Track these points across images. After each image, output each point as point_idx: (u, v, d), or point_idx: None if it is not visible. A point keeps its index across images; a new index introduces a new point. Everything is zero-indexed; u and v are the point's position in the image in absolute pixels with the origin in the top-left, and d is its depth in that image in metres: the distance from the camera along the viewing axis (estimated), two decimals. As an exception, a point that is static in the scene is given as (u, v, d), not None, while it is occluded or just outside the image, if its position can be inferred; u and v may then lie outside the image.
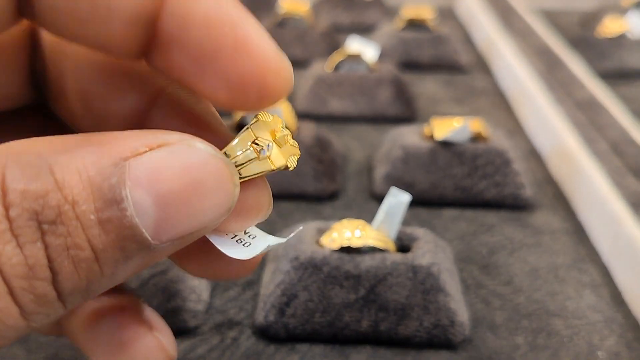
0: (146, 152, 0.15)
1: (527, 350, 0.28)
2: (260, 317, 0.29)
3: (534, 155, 0.45)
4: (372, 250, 0.29)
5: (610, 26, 0.62)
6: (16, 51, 0.19)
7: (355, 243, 0.29)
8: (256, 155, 0.17)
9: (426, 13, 0.63)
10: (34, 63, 0.20)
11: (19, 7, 0.16)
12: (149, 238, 0.15)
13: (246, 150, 0.17)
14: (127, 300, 0.21)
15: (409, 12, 0.63)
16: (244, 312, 0.30)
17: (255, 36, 0.16)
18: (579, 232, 0.37)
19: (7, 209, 0.14)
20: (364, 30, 0.68)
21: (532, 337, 0.29)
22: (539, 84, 0.52)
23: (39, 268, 0.14)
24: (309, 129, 0.40)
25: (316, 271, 0.28)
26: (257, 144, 0.17)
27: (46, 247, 0.14)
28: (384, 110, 0.49)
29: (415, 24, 0.62)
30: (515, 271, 0.33)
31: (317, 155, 0.39)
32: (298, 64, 0.57)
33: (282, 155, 0.17)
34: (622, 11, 0.67)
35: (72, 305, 0.15)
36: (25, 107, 0.21)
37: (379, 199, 0.39)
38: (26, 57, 0.20)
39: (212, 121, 0.19)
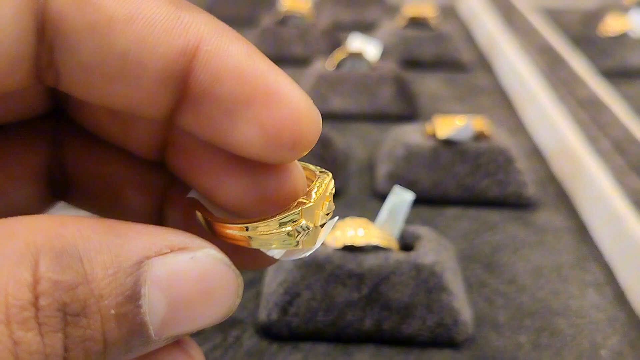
0: (168, 253, 0.15)
1: (530, 349, 0.28)
2: (263, 316, 0.29)
3: (536, 154, 0.45)
4: (375, 249, 0.29)
5: (612, 25, 0.62)
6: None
7: (358, 242, 0.29)
8: (290, 238, 0.17)
9: (428, 11, 0.63)
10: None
11: (37, 71, 0.16)
12: (153, 335, 0.15)
13: (283, 232, 0.17)
14: None
15: (410, 10, 0.63)
16: (246, 310, 0.30)
17: (286, 85, 0.16)
18: (581, 231, 0.37)
19: (36, 297, 0.14)
20: (365, 28, 0.68)
21: (535, 336, 0.29)
22: (541, 82, 0.51)
23: (54, 357, 0.14)
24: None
25: (319, 270, 0.28)
26: (297, 230, 0.17)
27: (65, 337, 0.14)
28: (386, 108, 0.49)
29: (417, 22, 0.62)
30: (518, 270, 0.33)
31: (319, 154, 0.39)
32: (299, 62, 0.57)
33: (313, 237, 0.17)
34: (624, 9, 0.67)
35: None
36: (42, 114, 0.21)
37: (381, 197, 0.39)
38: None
39: None
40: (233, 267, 0.16)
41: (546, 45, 0.61)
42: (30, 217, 0.15)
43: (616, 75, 0.58)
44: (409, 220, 0.36)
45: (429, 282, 0.28)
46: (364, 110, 0.49)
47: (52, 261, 0.14)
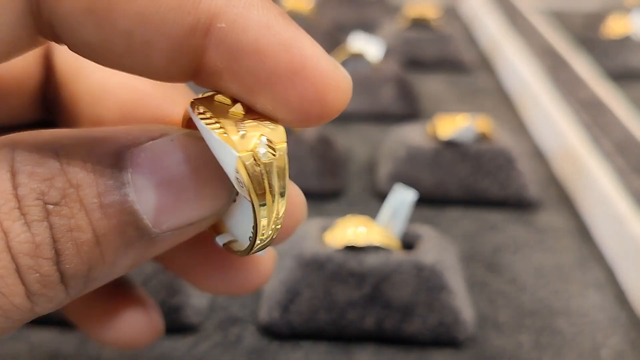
0: (148, 142, 0.15)
1: (531, 349, 0.28)
2: (263, 314, 0.29)
3: (537, 155, 0.45)
4: (377, 248, 0.29)
5: (614, 26, 0.62)
6: (29, 72, 0.20)
7: (360, 242, 0.29)
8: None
9: (430, 12, 0.63)
10: (47, 85, 0.20)
11: (38, 27, 0.15)
12: (149, 225, 0.15)
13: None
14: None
15: (412, 11, 0.63)
16: (247, 309, 0.30)
17: (312, 55, 0.15)
18: (583, 232, 0.37)
19: (15, 188, 0.14)
20: (367, 28, 0.68)
21: (536, 335, 0.29)
22: (543, 83, 0.51)
23: (45, 247, 0.14)
24: (313, 127, 0.40)
25: (320, 268, 0.28)
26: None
27: (51, 227, 0.14)
28: (388, 108, 0.49)
29: (419, 24, 0.62)
30: (519, 270, 0.33)
31: (321, 153, 0.39)
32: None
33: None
34: (626, 11, 0.67)
35: (74, 292, 0.15)
36: (34, 123, 0.21)
37: (382, 197, 0.39)
38: (39, 79, 0.20)
39: None
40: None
41: (548, 46, 0.61)
42: (13, 134, 0.15)
43: (618, 77, 0.58)
44: (411, 220, 0.36)
45: (430, 282, 0.28)
46: (365, 111, 0.49)
47: (25, 156, 0.14)
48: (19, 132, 0.20)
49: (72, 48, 0.15)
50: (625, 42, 0.61)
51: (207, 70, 0.15)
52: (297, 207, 0.20)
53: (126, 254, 0.15)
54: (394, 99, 0.49)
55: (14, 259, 0.14)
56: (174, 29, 0.14)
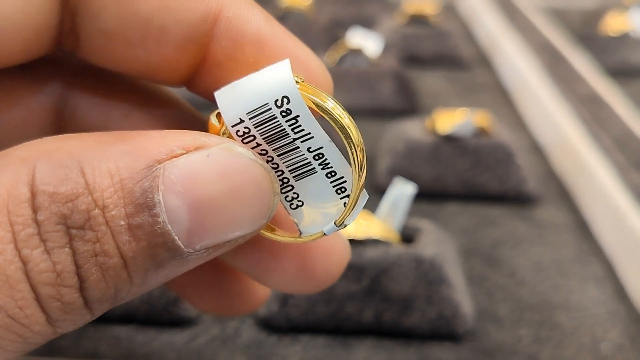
0: (182, 154, 0.14)
1: (530, 342, 0.28)
2: (262, 308, 0.28)
3: (536, 150, 0.45)
4: (376, 241, 0.29)
5: (612, 23, 0.62)
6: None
7: (359, 235, 0.28)
8: None
9: (428, 9, 0.63)
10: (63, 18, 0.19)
11: (59, 37, 0.15)
12: (182, 246, 0.14)
13: None
14: None
15: (411, 7, 0.63)
16: (245, 302, 0.30)
17: (302, 50, 0.16)
18: (581, 226, 0.37)
19: (35, 212, 0.13)
20: (365, 24, 0.68)
21: (535, 329, 0.29)
22: (542, 79, 0.51)
23: (67, 275, 0.13)
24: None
25: (319, 261, 0.28)
26: None
27: (74, 254, 0.13)
28: (386, 104, 0.49)
29: (417, 20, 0.62)
30: (519, 264, 0.33)
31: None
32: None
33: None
34: (624, 9, 0.67)
35: (99, 312, 0.15)
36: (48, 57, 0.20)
37: (381, 191, 0.39)
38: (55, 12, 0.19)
39: None
40: (259, 159, 0.15)
41: (546, 43, 0.61)
42: (30, 141, 0.14)
43: (616, 74, 0.58)
44: (409, 214, 0.36)
45: (429, 275, 0.28)
46: (364, 106, 0.49)
47: (47, 173, 0.13)
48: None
49: (86, 44, 0.15)
50: (623, 38, 0.61)
51: (210, 62, 0.16)
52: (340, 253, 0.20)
53: (157, 273, 0.14)
54: (393, 95, 0.49)
55: (33, 288, 0.13)
56: (189, 16, 0.15)
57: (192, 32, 0.15)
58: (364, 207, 0.32)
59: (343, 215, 0.16)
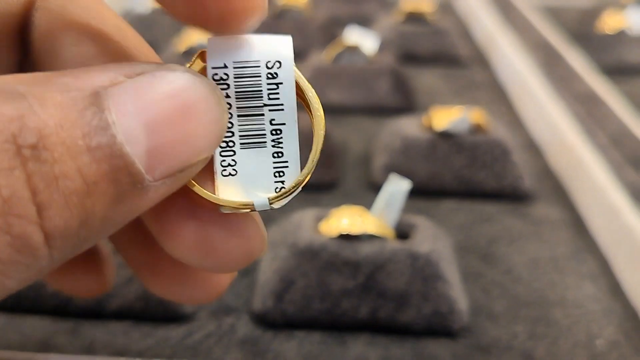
0: (125, 80, 0.13)
1: (526, 339, 0.28)
2: (257, 304, 0.28)
3: (533, 148, 0.45)
4: (371, 237, 0.29)
5: (609, 22, 0.62)
6: (5, 40, 0.18)
7: (354, 231, 0.28)
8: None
9: (425, 6, 0.63)
10: (24, 53, 0.18)
11: None
12: (142, 170, 0.13)
13: None
14: None
15: (408, 5, 0.63)
16: (241, 299, 0.30)
17: None
18: (577, 223, 0.37)
19: None
20: (362, 22, 0.68)
21: (531, 326, 0.29)
22: (539, 77, 0.51)
23: (18, 201, 0.12)
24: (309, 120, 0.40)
25: (315, 258, 0.28)
26: None
27: (28, 177, 0.12)
28: (383, 102, 0.49)
29: (414, 17, 0.62)
30: (515, 261, 0.33)
31: (316, 145, 0.39)
32: (296, 55, 0.57)
33: None
34: (620, 8, 0.67)
35: (58, 257, 0.13)
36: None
37: (377, 189, 0.39)
38: (16, 47, 0.18)
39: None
40: (204, 78, 0.14)
41: (543, 41, 0.61)
42: None
43: (613, 72, 0.58)
44: (405, 211, 0.36)
45: (424, 271, 0.28)
46: (360, 104, 0.49)
47: None
48: None
49: None
50: (619, 36, 0.61)
51: None
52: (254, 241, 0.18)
53: (119, 206, 0.13)
54: (389, 92, 0.49)
55: None
56: None
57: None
58: (360, 204, 0.32)
59: (279, 195, 0.16)
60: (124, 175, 0.13)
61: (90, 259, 0.21)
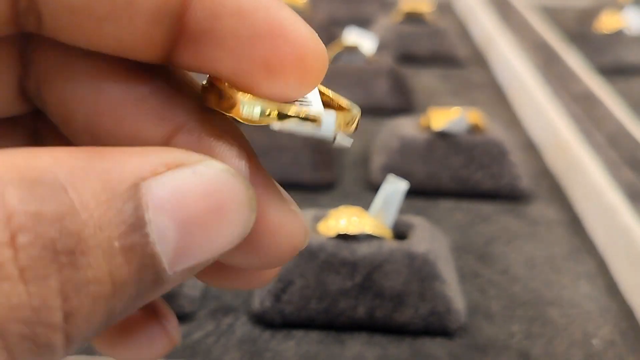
0: (165, 172, 0.13)
1: (523, 338, 0.29)
2: (256, 303, 0.29)
3: (530, 148, 0.46)
4: (369, 237, 0.29)
5: (607, 22, 0.62)
6: (4, 65, 0.17)
7: (352, 230, 0.29)
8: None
9: (424, 6, 0.63)
10: (25, 78, 0.17)
11: (15, 16, 0.14)
12: (167, 269, 0.13)
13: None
14: None
15: (406, 5, 0.63)
16: (239, 298, 0.30)
17: (290, 19, 0.15)
18: (574, 223, 0.37)
19: (13, 235, 0.11)
20: (361, 23, 0.68)
21: (528, 325, 0.29)
22: (536, 77, 0.52)
23: (47, 311, 0.11)
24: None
25: (312, 258, 0.28)
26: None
27: (62, 285, 0.11)
28: (381, 102, 0.49)
29: (413, 18, 0.62)
30: (511, 261, 0.34)
31: (314, 145, 0.39)
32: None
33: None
34: (618, 8, 0.68)
35: (71, 352, 0.13)
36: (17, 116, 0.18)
37: (375, 189, 0.39)
38: (16, 69, 0.17)
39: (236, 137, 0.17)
40: (241, 176, 0.14)
41: (541, 41, 0.61)
42: None
43: (611, 72, 0.58)
44: (403, 212, 0.36)
45: (422, 271, 0.28)
46: (359, 104, 0.49)
47: (24, 192, 0.11)
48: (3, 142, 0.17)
49: (49, 21, 0.14)
50: (617, 36, 0.61)
51: (187, 36, 0.15)
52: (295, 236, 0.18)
53: (136, 303, 0.13)
54: (388, 93, 0.49)
55: None
56: None
57: (164, 4, 0.14)
58: (358, 204, 0.32)
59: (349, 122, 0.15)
60: (149, 273, 0.13)
61: (149, 321, 0.19)
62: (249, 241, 0.15)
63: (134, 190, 0.12)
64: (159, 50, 0.15)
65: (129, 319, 0.18)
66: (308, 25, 0.15)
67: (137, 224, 0.12)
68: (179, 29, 0.15)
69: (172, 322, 0.19)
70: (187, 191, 0.13)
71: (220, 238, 0.14)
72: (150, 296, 0.13)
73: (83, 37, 0.14)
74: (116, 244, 0.12)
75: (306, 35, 0.15)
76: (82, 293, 0.11)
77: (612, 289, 0.32)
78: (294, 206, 0.17)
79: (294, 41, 0.14)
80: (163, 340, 0.18)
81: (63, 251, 0.11)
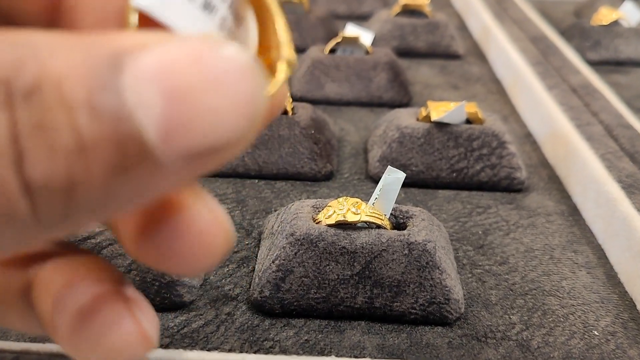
0: (151, 44, 0.12)
1: (522, 329, 0.28)
2: (255, 293, 0.29)
3: (529, 140, 0.46)
4: (368, 226, 0.29)
5: (605, 16, 0.62)
6: None
7: (351, 218, 0.29)
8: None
9: (422, 0, 0.63)
10: None
11: None
12: (155, 140, 0.11)
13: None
14: (103, 270, 0.16)
15: (405, -2, 0.63)
16: (239, 288, 0.30)
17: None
18: (573, 214, 0.37)
19: None
20: (362, 17, 0.68)
21: (527, 315, 0.29)
22: (534, 70, 0.52)
23: None
24: (305, 110, 0.40)
25: (312, 247, 0.28)
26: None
27: (14, 123, 0.11)
28: (380, 94, 0.49)
29: (411, 10, 0.62)
30: (511, 251, 0.34)
31: (313, 136, 0.39)
32: (295, 50, 0.57)
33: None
34: (616, 1, 0.67)
35: (48, 219, 0.12)
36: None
37: (374, 180, 0.39)
38: None
39: None
40: (249, 53, 0.12)
41: (539, 34, 0.61)
42: None
43: (608, 64, 0.58)
44: (402, 202, 0.36)
45: (421, 260, 0.28)
46: (358, 96, 0.49)
47: None
48: None
49: None
50: (614, 29, 0.61)
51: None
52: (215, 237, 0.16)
53: (126, 177, 0.12)
54: (387, 85, 0.49)
55: None
56: None
57: None
58: (357, 195, 0.32)
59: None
60: (131, 142, 0.11)
61: (114, 303, 0.16)
62: (168, 247, 0.14)
63: (114, 57, 0.11)
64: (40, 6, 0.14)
65: (100, 312, 0.15)
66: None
67: (112, 86, 0.11)
68: None
69: (145, 313, 0.16)
70: (175, 59, 0.12)
71: (219, 115, 0.12)
72: (143, 176, 0.12)
73: None
74: (80, 96, 0.11)
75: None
76: (36, 136, 0.11)
77: (611, 279, 0.32)
78: (218, 209, 0.15)
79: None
80: (131, 331, 0.16)
81: (18, 90, 0.11)
